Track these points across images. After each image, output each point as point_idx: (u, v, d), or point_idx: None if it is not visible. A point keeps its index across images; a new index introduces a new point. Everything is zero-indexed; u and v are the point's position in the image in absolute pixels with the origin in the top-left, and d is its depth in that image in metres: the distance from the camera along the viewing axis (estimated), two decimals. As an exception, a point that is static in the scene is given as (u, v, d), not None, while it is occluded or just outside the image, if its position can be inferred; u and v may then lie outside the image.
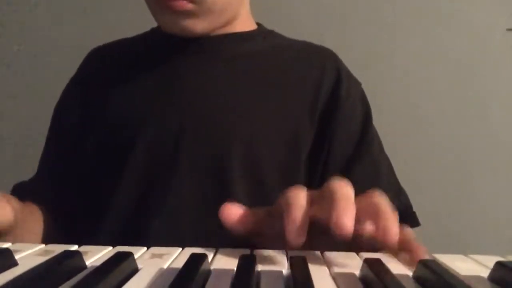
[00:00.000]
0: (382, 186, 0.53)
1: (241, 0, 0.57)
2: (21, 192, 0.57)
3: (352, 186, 0.31)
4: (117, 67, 0.61)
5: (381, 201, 0.30)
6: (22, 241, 0.32)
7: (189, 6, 0.50)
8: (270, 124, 0.54)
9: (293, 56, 0.59)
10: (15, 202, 0.47)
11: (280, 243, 0.30)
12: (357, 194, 0.31)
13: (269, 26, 0.65)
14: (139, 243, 0.31)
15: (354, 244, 0.30)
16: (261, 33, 0.62)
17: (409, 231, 0.33)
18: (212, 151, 0.52)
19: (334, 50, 0.62)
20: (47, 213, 0.56)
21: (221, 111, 0.54)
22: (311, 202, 0.31)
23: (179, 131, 0.53)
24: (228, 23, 0.57)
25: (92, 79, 0.61)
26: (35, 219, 0.55)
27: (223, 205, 0.33)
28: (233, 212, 0.33)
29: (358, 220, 0.29)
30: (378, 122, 0.59)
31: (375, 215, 0.29)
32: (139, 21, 0.66)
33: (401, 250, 0.30)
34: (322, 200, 0.30)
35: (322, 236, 0.29)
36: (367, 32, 1.04)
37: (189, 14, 0.51)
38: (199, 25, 0.52)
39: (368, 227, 0.30)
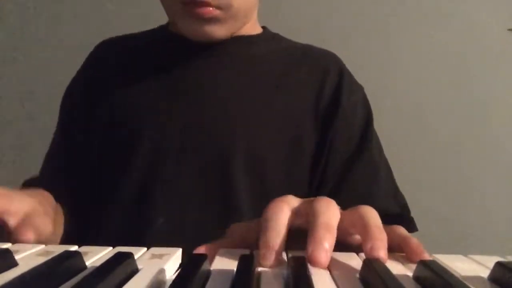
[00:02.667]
0: (380, 188, 0.54)
1: (255, 6, 0.59)
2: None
3: (337, 208, 0.30)
4: (125, 62, 0.61)
5: (369, 215, 0.29)
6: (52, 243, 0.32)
7: (216, 12, 0.51)
8: (274, 124, 0.54)
9: (297, 58, 0.60)
10: (53, 204, 0.47)
11: None
12: (354, 195, 0.30)
13: (271, 29, 0.65)
14: (142, 241, 0.31)
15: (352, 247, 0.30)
16: (266, 36, 0.63)
17: (402, 230, 0.32)
18: (216, 150, 0.53)
19: (335, 52, 0.63)
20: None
21: (225, 111, 0.55)
22: (295, 213, 0.30)
23: (183, 130, 0.53)
24: (241, 27, 0.58)
25: (99, 73, 0.62)
26: (61, 220, 0.54)
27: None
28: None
29: (348, 233, 0.29)
30: (379, 124, 0.59)
31: (362, 231, 0.28)
32: (142, 19, 0.66)
33: (399, 250, 0.30)
34: (304, 212, 0.30)
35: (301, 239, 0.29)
36: (367, 34, 1.04)
37: (213, 20, 0.52)
38: (220, 31, 0.54)
39: (356, 241, 0.30)
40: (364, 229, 0.28)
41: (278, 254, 0.27)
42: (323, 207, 0.29)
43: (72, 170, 0.59)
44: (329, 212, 0.29)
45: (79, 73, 0.64)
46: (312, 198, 0.31)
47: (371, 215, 0.29)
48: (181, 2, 0.50)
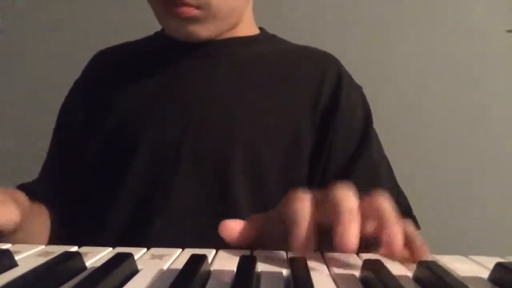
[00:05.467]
0: (381, 188, 0.54)
1: (245, 6, 0.58)
2: (26, 192, 0.56)
3: (355, 192, 0.30)
4: (122, 70, 0.61)
5: (385, 205, 0.29)
6: (28, 242, 0.32)
7: (195, 12, 0.50)
8: (272, 126, 0.54)
9: (294, 60, 0.60)
10: (24, 200, 0.47)
11: (280, 248, 0.30)
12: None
13: (269, 30, 0.65)
14: (142, 244, 0.31)
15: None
16: (263, 37, 0.63)
17: (410, 228, 0.32)
18: (214, 152, 0.53)
19: (333, 53, 0.63)
20: (53, 214, 0.56)
21: (223, 114, 0.54)
22: (315, 206, 0.30)
23: (182, 133, 0.53)
24: (232, 28, 0.57)
25: (96, 82, 0.62)
26: (43, 220, 0.54)
27: (222, 222, 0.32)
28: (233, 227, 0.32)
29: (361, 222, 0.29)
30: (379, 124, 0.59)
31: (378, 220, 0.29)
32: (140, 23, 0.66)
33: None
34: (325, 205, 0.29)
35: (324, 237, 0.29)
36: (366, 34, 1.04)
37: (194, 20, 0.51)
38: (204, 31, 0.53)
39: (370, 230, 0.29)
40: (381, 224, 0.28)
41: (312, 241, 0.27)
42: (344, 194, 0.29)
43: (69, 177, 0.59)
44: (350, 198, 0.29)
45: (77, 83, 0.64)
46: (328, 188, 0.31)
47: (387, 206, 0.29)
48: (162, 2, 0.51)
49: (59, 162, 0.61)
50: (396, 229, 0.27)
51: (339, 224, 0.27)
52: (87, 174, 0.57)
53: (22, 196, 0.48)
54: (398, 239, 0.27)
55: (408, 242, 0.30)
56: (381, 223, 0.28)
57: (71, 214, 0.57)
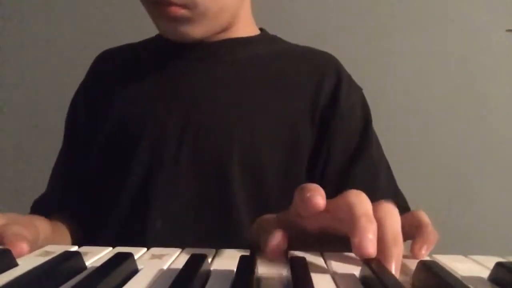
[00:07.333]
0: (380, 189, 0.54)
1: (238, 5, 0.57)
2: (44, 208, 0.56)
3: (369, 199, 0.29)
4: (123, 71, 0.61)
5: (388, 224, 0.28)
6: None
7: (182, 11, 0.50)
8: (271, 126, 0.54)
9: (294, 60, 0.60)
10: (44, 228, 0.45)
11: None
12: None
13: (269, 30, 0.65)
14: (141, 243, 0.31)
15: None
16: (263, 38, 0.62)
17: (421, 216, 0.32)
18: (213, 152, 0.53)
19: (333, 54, 0.62)
20: (74, 224, 0.57)
21: (222, 114, 0.54)
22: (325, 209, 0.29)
23: (181, 134, 0.53)
24: (228, 27, 0.57)
25: (98, 83, 0.62)
26: (61, 235, 0.54)
27: (274, 236, 0.29)
28: (282, 242, 0.29)
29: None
30: (379, 125, 0.59)
31: (379, 233, 0.27)
32: (140, 24, 0.66)
33: (412, 237, 0.30)
34: (338, 210, 0.29)
35: (333, 243, 0.29)
36: (366, 35, 1.04)
37: (184, 20, 0.51)
38: (195, 31, 0.53)
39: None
40: (380, 241, 0.27)
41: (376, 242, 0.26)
42: (358, 198, 0.28)
43: (78, 184, 0.59)
44: (365, 202, 0.28)
45: (81, 85, 0.65)
46: (339, 196, 0.30)
47: (390, 221, 0.28)
48: (152, 3, 0.51)
49: (71, 165, 0.61)
50: (393, 257, 0.26)
51: (357, 229, 0.26)
52: (90, 173, 0.58)
53: (42, 225, 0.46)
54: (391, 261, 0.26)
55: (418, 231, 0.30)
56: (382, 243, 0.27)
57: (84, 217, 0.57)
